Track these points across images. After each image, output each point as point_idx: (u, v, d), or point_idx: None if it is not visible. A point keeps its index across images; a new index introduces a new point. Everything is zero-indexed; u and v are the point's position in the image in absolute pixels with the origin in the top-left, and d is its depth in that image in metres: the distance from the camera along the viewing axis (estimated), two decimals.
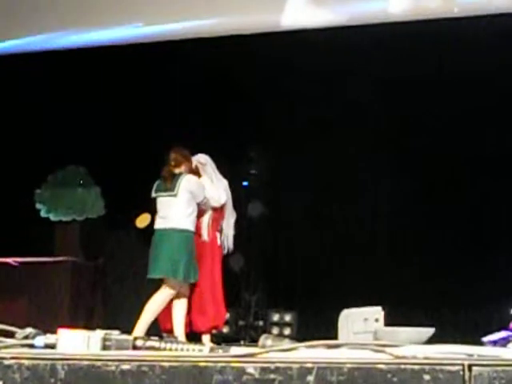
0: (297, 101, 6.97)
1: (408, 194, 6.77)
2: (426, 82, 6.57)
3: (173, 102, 7.14)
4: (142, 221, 6.86)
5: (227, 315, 6.18)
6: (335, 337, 4.43)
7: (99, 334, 1.79)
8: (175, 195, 5.84)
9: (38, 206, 7.31)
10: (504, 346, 2.88)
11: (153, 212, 6.78)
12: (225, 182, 6.07)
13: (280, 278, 5.95)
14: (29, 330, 1.93)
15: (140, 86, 7.07)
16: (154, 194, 5.97)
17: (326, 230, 6.77)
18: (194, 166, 6.00)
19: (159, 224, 5.87)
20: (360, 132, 6.82)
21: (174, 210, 5.81)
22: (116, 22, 6.70)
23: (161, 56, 6.90)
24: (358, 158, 6.81)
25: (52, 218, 7.28)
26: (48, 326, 2.23)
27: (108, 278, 7.17)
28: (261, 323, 6.40)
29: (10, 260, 6.75)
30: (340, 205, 6.78)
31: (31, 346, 1.86)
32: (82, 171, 7.38)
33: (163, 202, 5.90)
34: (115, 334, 1.80)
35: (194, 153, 6.04)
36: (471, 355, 1.46)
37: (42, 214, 7.28)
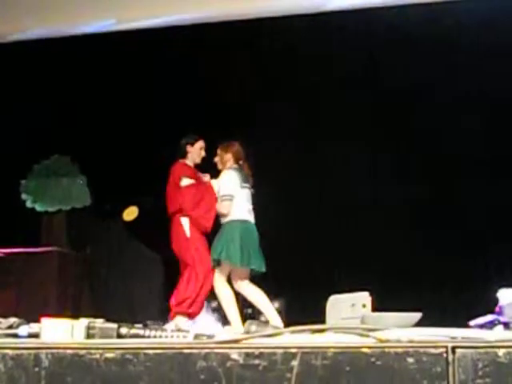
0: (282, 92, 6.95)
1: (393, 177, 6.80)
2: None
3: (158, 91, 7.12)
4: (130, 214, 6.85)
5: (215, 304, 6.19)
6: (324, 323, 4.44)
7: (83, 322, 1.79)
8: (252, 189, 5.92)
9: (23, 196, 7.28)
10: (490, 329, 2.89)
11: (141, 204, 6.78)
12: None
13: (268, 265, 5.95)
14: (12, 320, 1.92)
15: (125, 76, 7.03)
16: (244, 185, 5.88)
17: (312, 216, 6.78)
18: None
19: (249, 217, 5.82)
20: (345, 124, 6.84)
21: (251, 205, 5.87)
22: (95, 15, 6.65)
23: (146, 45, 6.86)
24: (344, 152, 6.83)
25: (38, 208, 7.24)
26: (35, 316, 2.22)
27: (95, 268, 7.15)
28: (249, 310, 6.41)
29: None
30: (325, 192, 6.79)
31: (15, 336, 1.86)
32: (67, 161, 7.35)
33: (246, 195, 5.86)
34: (99, 323, 1.80)
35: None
36: (455, 338, 1.47)
37: (28, 204, 7.25)
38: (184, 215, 5.90)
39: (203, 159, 6.13)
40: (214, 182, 5.96)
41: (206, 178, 6.09)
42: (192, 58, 6.99)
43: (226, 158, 5.92)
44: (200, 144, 6.10)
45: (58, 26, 6.78)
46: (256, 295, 5.76)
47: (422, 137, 6.78)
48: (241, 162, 5.94)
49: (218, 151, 5.99)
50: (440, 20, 6.23)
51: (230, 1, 6.40)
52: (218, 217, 5.87)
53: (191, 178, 6.00)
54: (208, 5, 6.39)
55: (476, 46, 6.26)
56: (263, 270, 5.78)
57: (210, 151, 6.08)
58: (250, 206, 5.87)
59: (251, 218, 5.83)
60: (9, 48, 6.79)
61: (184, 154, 6.07)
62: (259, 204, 6.00)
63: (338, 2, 6.28)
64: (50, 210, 7.22)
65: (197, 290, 5.77)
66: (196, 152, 6.09)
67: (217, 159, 5.99)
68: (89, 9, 6.53)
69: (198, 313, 5.80)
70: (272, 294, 6.43)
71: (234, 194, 5.78)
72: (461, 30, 6.21)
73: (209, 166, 6.08)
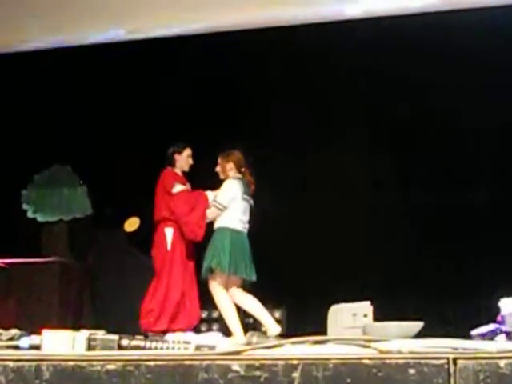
0: (288, 99, 6.96)
1: (394, 185, 6.80)
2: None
3: (159, 100, 7.12)
4: (131, 225, 6.83)
5: (217, 313, 6.18)
6: (325, 333, 4.43)
7: (84, 334, 1.79)
8: (252, 200, 5.94)
9: (24, 206, 7.27)
10: (492, 338, 2.89)
11: (142, 214, 6.77)
12: None
13: (268, 275, 5.95)
14: (14, 332, 1.92)
15: (124, 84, 7.05)
16: (244, 196, 5.87)
17: (313, 226, 6.77)
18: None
19: (244, 228, 5.82)
20: (349, 130, 6.85)
21: (248, 216, 5.87)
22: (102, 26, 6.65)
23: (147, 55, 6.88)
24: (342, 158, 6.83)
25: (39, 218, 7.24)
26: (37, 327, 2.22)
27: (96, 278, 7.14)
28: (250, 320, 6.40)
29: None
30: (327, 201, 6.78)
31: (16, 348, 1.86)
32: (68, 170, 7.35)
33: (243, 207, 5.85)
34: (100, 334, 1.80)
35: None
36: (456, 348, 1.47)
37: (29, 214, 7.25)
38: (168, 226, 5.89)
39: (192, 167, 6.15)
40: (210, 193, 5.96)
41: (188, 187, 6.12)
42: (192, 66, 7.00)
43: (228, 167, 5.91)
44: (187, 152, 6.11)
45: (60, 36, 6.79)
46: (250, 302, 5.75)
47: (424, 144, 6.78)
48: (243, 170, 5.93)
49: (219, 160, 5.97)
50: (452, 28, 6.24)
51: (239, 10, 6.40)
52: (209, 225, 5.89)
53: (182, 184, 6.01)
54: (218, 13, 6.40)
55: (485, 54, 6.29)
56: (253, 279, 5.77)
57: (211, 158, 6.11)
58: (245, 218, 5.84)
59: (244, 228, 5.82)
60: (10, 58, 6.80)
61: (172, 163, 6.09)
62: (260, 213, 6.00)
63: (346, 11, 6.29)
64: (51, 219, 7.22)
65: (159, 302, 5.77)
66: (184, 160, 6.10)
67: (218, 169, 5.97)
68: (92, 19, 6.55)
69: (169, 328, 5.77)
70: (273, 304, 6.42)
71: (227, 205, 5.78)
72: (473, 38, 6.22)
73: (209, 175, 6.09)
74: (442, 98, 6.62)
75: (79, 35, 6.64)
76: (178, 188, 5.96)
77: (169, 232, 5.88)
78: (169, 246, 5.86)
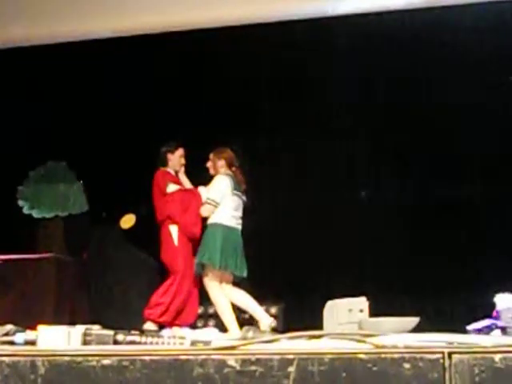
0: (281, 95, 6.96)
1: (391, 180, 6.80)
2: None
3: (153, 95, 7.11)
4: (127, 221, 6.83)
5: (214, 309, 6.19)
6: (321, 328, 4.44)
7: (80, 329, 1.79)
8: (244, 196, 5.96)
9: (20, 202, 7.26)
10: (488, 333, 2.90)
11: (138, 210, 6.77)
12: None
13: (265, 271, 5.96)
14: (9, 327, 1.92)
15: (121, 80, 7.03)
16: (235, 192, 5.93)
17: (310, 222, 6.78)
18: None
19: (237, 224, 5.89)
20: (345, 128, 6.84)
21: (241, 212, 5.89)
22: (99, 22, 6.63)
23: (137, 49, 6.86)
24: (340, 153, 6.83)
25: (35, 214, 7.23)
26: (33, 323, 2.21)
27: (92, 274, 7.14)
28: (247, 316, 6.41)
29: None
30: (323, 196, 6.79)
31: (11, 343, 1.85)
32: (64, 166, 7.34)
33: (235, 202, 5.90)
34: (96, 329, 1.80)
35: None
36: (451, 343, 1.47)
37: (25, 210, 7.24)
38: (172, 223, 5.92)
39: (186, 166, 6.18)
40: (202, 189, 5.98)
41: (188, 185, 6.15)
42: (191, 65, 6.99)
43: (219, 164, 5.97)
44: (180, 152, 6.16)
45: (52, 33, 6.76)
46: (241, 297, 5.79)
47: (421, 138, 6.77)
48: (234, 169, 5.98)
49: (211, 157, 6.03)
50: (444, 24, 6.25)
51: (237, 6, 6.40)
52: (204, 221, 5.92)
53: (176, 184, 6.04)
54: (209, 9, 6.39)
55: (484, 51, 6.29)
56: (244, 275, 5.82)
57: (201, 153, 6.12)
58: (237, 214, 5.88)
59: (237, 224, 5.85)
60: (4, 53, 6.79)
61: (164, 162, 6.12)
62: (256, 209, 6.01)
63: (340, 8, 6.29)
64: (47, 216, 7.20)
65: (170, 296, 5.79)
66: (176, 159, 6.14)
67: (209, 165, 6.03)
68: (86, 16, 6.53)
69: (171, 322, 5.78)
70: (269, 300, 6.43)
71: (219, 201, 5.81)
72: (467, 34, 6.23)
73: (200, 171, 6.10)
74: (441, 96, 6.63)
75: (80, 30, 6.62)
76: (172, 188, 5.99)
77: (174, 229, 5.92)
78: (176, 242, 5.90)
